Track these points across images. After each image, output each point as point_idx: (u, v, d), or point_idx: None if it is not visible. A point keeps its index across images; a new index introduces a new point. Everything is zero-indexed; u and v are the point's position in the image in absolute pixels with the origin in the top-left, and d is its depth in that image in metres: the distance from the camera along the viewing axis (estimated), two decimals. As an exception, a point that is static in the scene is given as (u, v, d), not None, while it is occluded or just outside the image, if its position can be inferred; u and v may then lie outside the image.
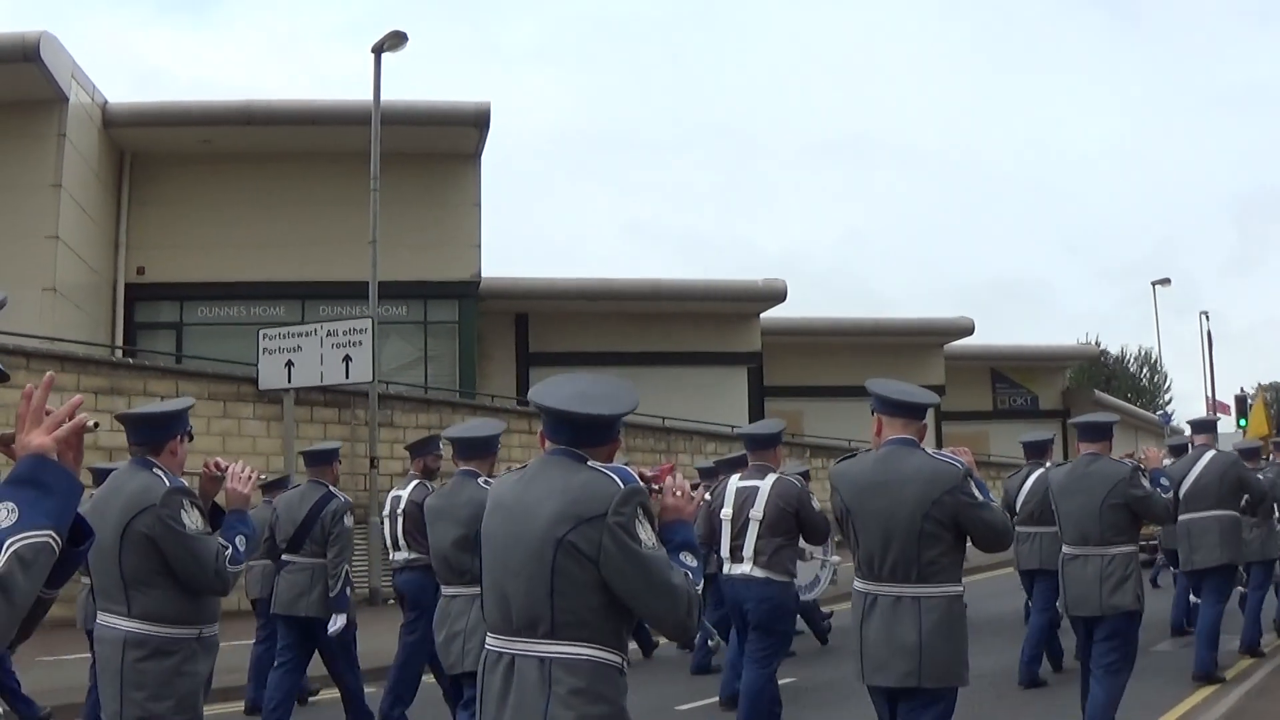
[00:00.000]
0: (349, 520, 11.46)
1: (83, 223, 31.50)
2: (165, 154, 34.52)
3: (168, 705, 6.17)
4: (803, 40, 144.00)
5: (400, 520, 11.95)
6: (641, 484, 4.62)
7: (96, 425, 3.35)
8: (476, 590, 5.43)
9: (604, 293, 40.20)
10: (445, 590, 8.79)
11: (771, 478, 10.29)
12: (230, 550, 6.39)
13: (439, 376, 35.12)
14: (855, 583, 7.12)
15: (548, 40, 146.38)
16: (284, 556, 11.45)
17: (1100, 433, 10.22)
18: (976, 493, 6.79)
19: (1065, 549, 10.18)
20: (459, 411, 28.38)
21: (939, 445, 46.99)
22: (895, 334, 49.81)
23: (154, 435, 6.56)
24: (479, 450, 8.94)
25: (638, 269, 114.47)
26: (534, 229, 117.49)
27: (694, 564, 4.65)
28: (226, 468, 6.73)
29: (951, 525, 6.74)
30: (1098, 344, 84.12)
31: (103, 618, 6.39)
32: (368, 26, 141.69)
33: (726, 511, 10.40)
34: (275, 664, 11.41)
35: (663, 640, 16.61)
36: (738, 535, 10.25)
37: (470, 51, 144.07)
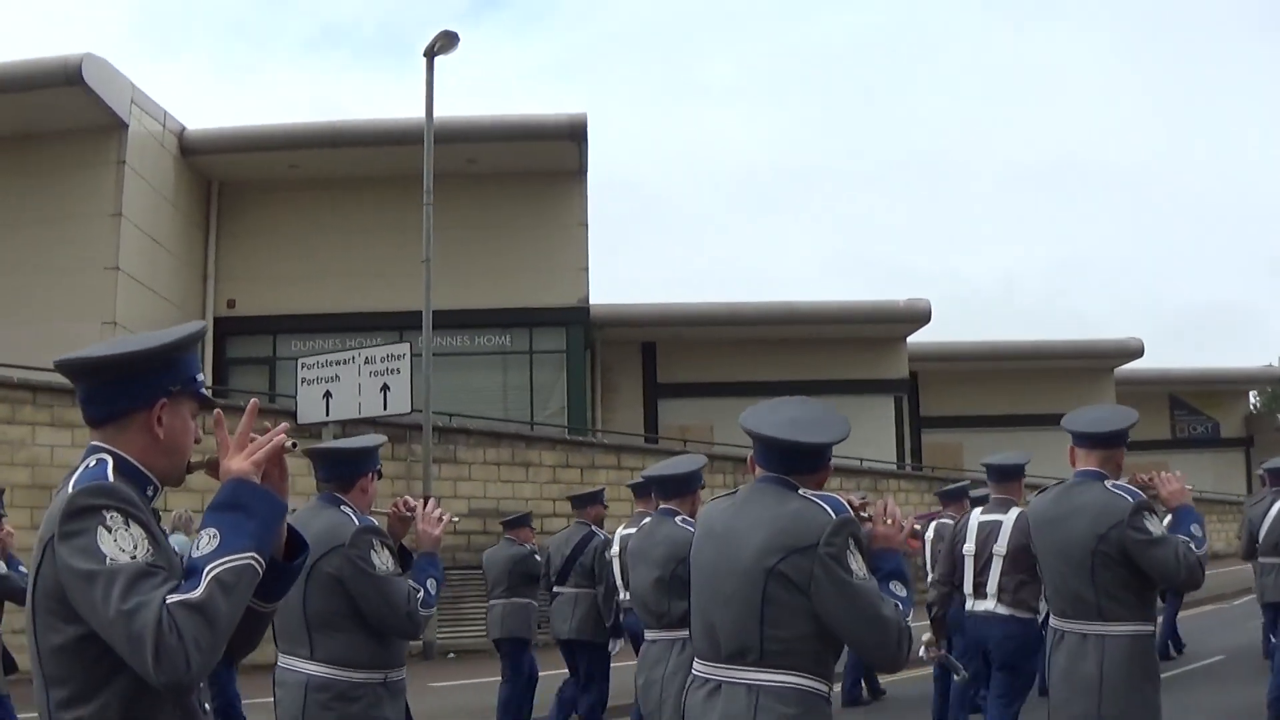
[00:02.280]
0: (609, 554, 12.11)
1: (154, 254, 28.35)
2: (251, 181, 31.38)
3: None
4: (988, 69, 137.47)
5: (621, 560, 11.67)
6: (852, 514, 4.49)
7: (295, 445, 3.32)
8: (674, 635, 6.52)
9: (732, 318, 35.68)
10: (646, 634, 7.91)
11: (1015, 511, 9.73)
12: (422, 594, 6.10)
13: (545, 410, 31.14)
14: (1052, 619, 6.84)
15: (742, 77, 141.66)
16: (554, 589, 12.69)
17: None
18: (1150, 527, 6.36)
19: None
20: (535, 446, 24.15)
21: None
22: (1058, 358, 44.18)
23: (344, 471, 6.33)
24: (679, 488, 8.03)
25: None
26: (728, 265, 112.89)
27: (903, 594, 4.55)
28: (415, 507, 6.46)
29: (1125, 561, 6.38)
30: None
31: (284, 660, 6.07)
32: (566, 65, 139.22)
33: (969, 547, 9.97)
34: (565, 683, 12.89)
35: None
36: (981, 571, 9.82)
37: (669, 90, 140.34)
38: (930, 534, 13.50)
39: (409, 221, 30.15)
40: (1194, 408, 52.85)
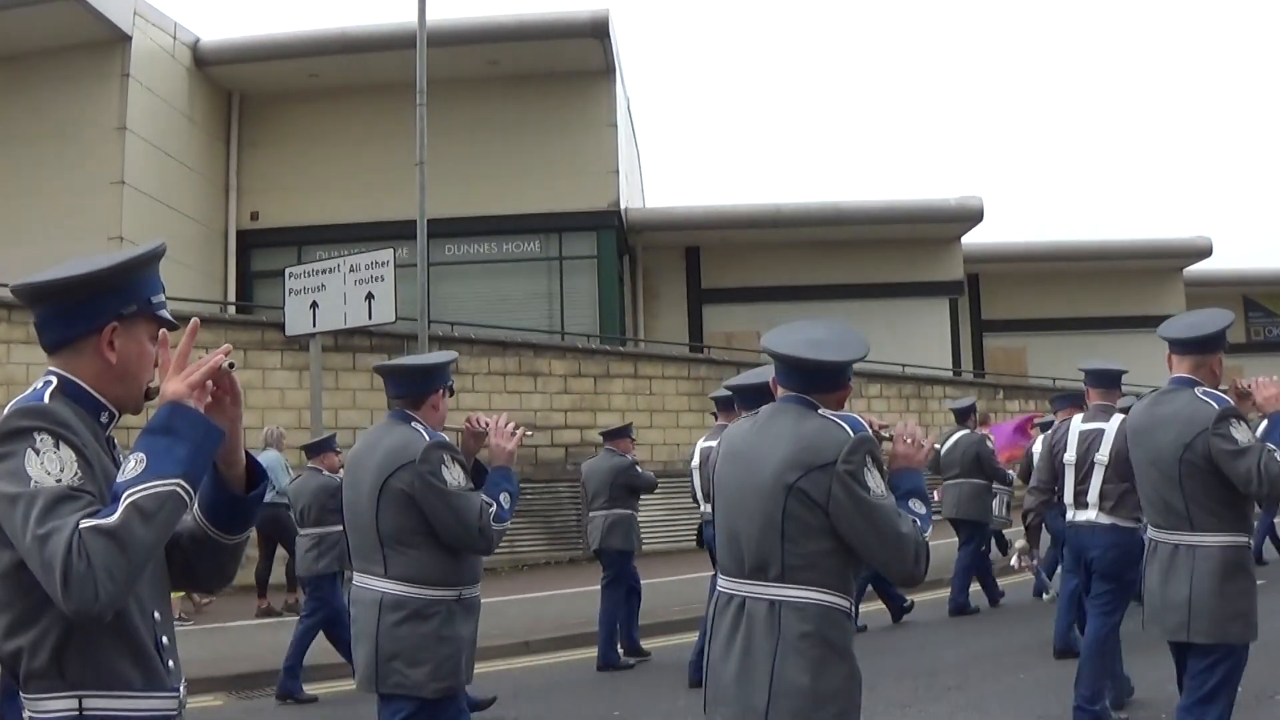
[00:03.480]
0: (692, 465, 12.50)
1: (167, 168, 27.07)
2: (272, 92, 30.20)
3: (425, 671, 5.80)
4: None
5: (702, 472, 11.61)
6: (870, 432, 4.48)
7: (234, 366, 3.15)
8: None
9: (776, 219, 33.31)
10: None
11: (1117, 418, 9.27)
12: (494, 508, 5.97)
13: (577, 318, 29.48)
14: (1148, 529, 6.72)
15: None
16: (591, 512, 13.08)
17: None
18: (1236, 434, 6.13)
19: None
20: (544, 355, 22.57)
21: None
22: (1122, 258, 41.37)
23: (414, 388, 6.23)
24: (762, 398, 6.27)
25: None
26: (784, 170, 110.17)
27: (923, 511, 4.59)
28: (489, 423, 6.25)
29: (1212, 469, 6.17)
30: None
31: (359, 578, 6.04)
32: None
33: (1069, 456, 9.61)
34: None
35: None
36: (1082, 480, 9.45)
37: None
38: (1038, 446, 12.81)
39: (434, 127, 28.80)
40: (1270, 310, 49.91)
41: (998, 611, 15.18)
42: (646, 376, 23.43)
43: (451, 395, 6.42)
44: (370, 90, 29.21)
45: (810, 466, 4.36)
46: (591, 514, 13.13)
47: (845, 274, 34.12)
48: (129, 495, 2.79)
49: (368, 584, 5.96)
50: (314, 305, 19.15)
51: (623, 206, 30.75)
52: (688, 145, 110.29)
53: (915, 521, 4.45)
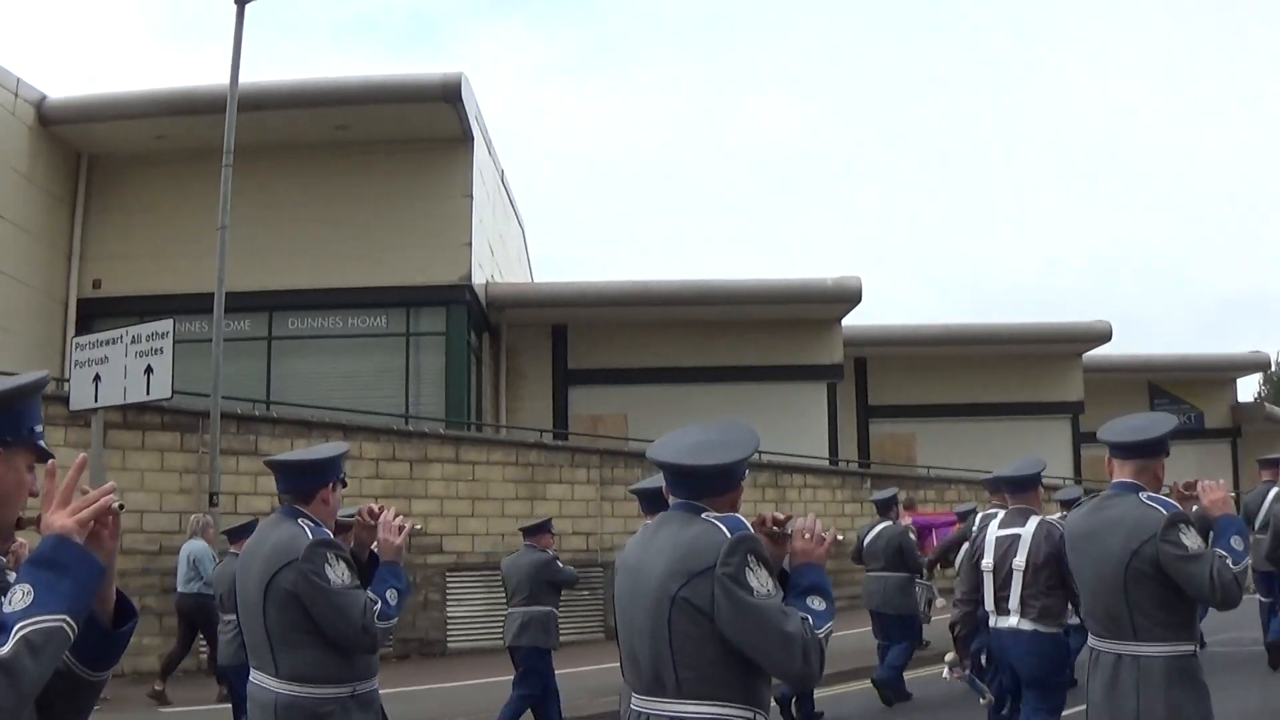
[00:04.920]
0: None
1: (3, 232, 26.13)
2: (121, 154, 29.20)
3: None
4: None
5: None
6: (750, 531, 4.43)
7: (122, 508, 3.20)
8: None
9: (645, 297, 32.61)
10: None
11: (1034, 521, 9.33)
12: (380, 605, 5.92)
13: (430, 398, 28.62)
14: (1089, 638, 6.50)
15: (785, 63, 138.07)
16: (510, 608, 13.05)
17: None
18: (1186, 540, 6.03)
19: None
20: (354, 437, 21.56)
21: (1076, 470, 40.28)
22: (1017, 341, 40.85)
23: (303, 483, 6.15)
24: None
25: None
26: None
27: (821, 608, 4.49)
28: (380, 514, 6.23)
29: (1160, 577, 6.05)
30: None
31: (255, 676, 5.99)
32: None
33: (987, 562, 9.54)
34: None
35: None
36: (1002, 586, 9.33)
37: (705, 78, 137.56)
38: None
39: (281, 195, 28.17)
40: (1176, 396, 49.44)
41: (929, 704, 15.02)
42: (469, 462, 22.69)
43: (344, 487, 6.31)
44: (218, 154, 28.31)
45: (691, 574, 4.31)
46: (510, 610, 13.15)
47: (719, 356, 33.57)
48: (20, 628, 2.80)
49: (263, 684, 5.91)
50: (97, 378, 18.41)
51: (482, 281, 30.08)
52: (577, 224, 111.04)
53: (806, 619, 4.35)
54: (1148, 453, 6.42)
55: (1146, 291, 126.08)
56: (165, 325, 18.01)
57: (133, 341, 18.19)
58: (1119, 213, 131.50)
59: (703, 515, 4.48)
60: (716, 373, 33.19)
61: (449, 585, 22.02)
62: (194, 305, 26.61)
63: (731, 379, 33.18)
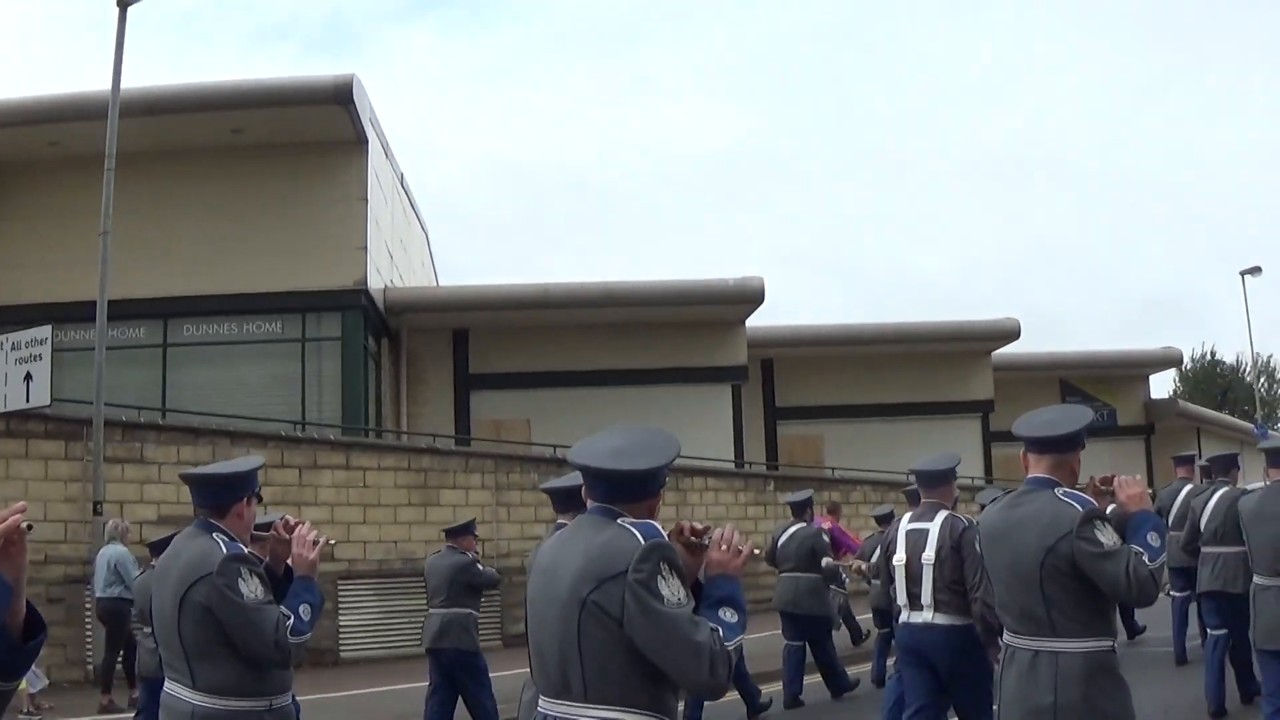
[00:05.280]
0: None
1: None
2: (13, 160, 28.81)
3: None
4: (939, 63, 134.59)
5: None
6: (664, 539, 4.42)
7: (31, 528, 3.23)
8: None
9: (544, 300, 32.52)
10: None
11: (942, 515, 9.50)
12: (293, 620, 5.94)
13: (324, 404, 28.52)
14: (1004, 634, 6.50)
15: (699, 70, 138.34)
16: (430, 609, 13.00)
17: None
18: (1101, 536, 6.00)
19: (1256, 579, 9.85)
20: (240, 444, 21.36)
21: (987, 470, 40.51)
22: (925, 340, 41.09)
23: (217, 497, 6.15)
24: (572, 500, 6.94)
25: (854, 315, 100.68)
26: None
27: (733, 620, 4.46)
28: (296, 527, 6.28)
29: (1075, 573, 6.02)
30: (1211, 351, 78.89)
31: (170, 687, 5.96)
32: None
33: (899, 557, 9.57)
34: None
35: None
36: (914, 581, 9.40)
37: (624, 83, 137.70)
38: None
39: (176, 201, 27.95)
40: (1088, 394, 49.77)
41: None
42: (360, 468, 22.55)
43: (260, 502, 6.40)
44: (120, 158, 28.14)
45: (602, 578, 4.30)
46: (430, 611, 13.10)
47: (621, 359, 33.55)
48: None
49: (179, 695, 5.90)
50: (-23, 386, 18.27)
51: (380, 285, 30.03)
52: (492, 230, 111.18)
53: (716, 630, 4.34)
54: (1063, 447, 6.42)
55: (1065, 291, 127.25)
56: (44, 332, 17.97)
57: (12, 348, 18.14)
58: (1035, 212, 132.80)
59: (619, 520, 4.49)
60: (620, 376, 33.17)
61: (340, 594, 21.72)
62: (85, 313, 26.38)
63: (635, 382, 33.15)
